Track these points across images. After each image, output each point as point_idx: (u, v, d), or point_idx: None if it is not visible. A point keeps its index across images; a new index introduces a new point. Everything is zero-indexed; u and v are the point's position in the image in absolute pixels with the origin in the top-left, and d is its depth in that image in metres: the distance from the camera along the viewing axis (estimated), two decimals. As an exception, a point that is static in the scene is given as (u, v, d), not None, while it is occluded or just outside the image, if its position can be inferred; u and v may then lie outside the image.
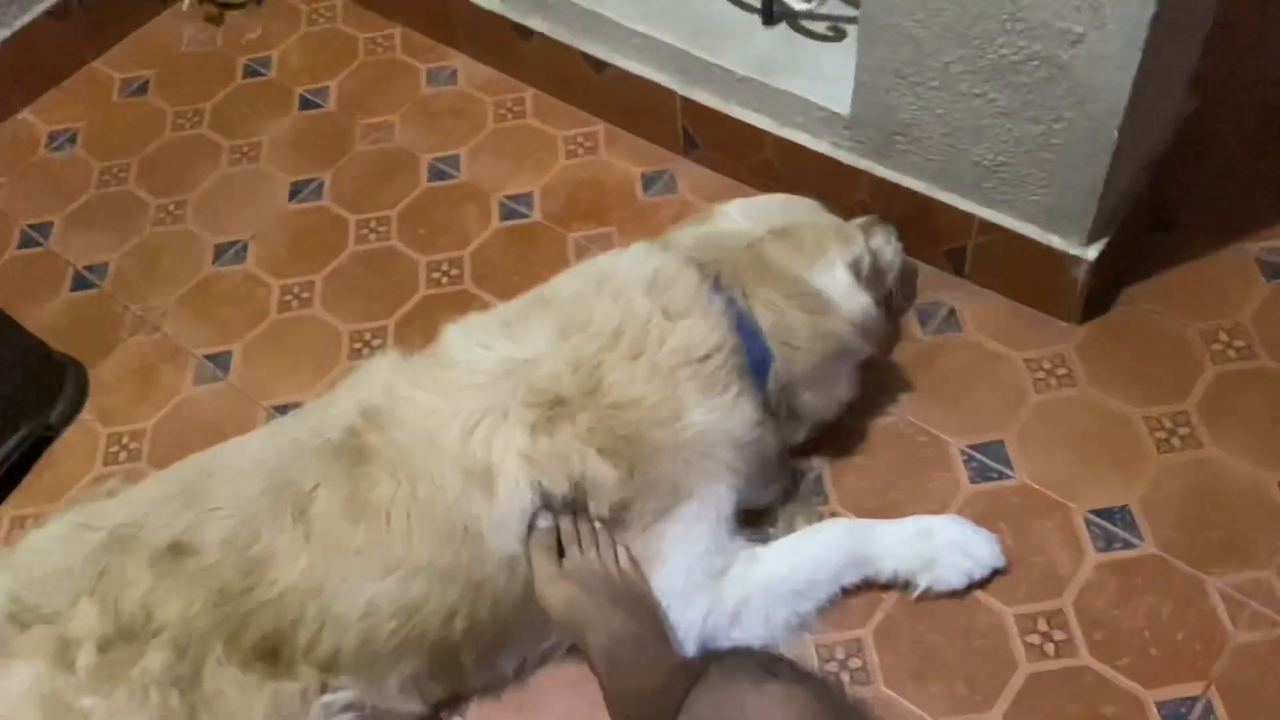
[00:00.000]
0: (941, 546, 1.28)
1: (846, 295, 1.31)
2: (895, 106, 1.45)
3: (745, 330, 1.27)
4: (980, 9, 1.26)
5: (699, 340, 1.23)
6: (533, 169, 1.85)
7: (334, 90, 2.01)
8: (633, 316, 1.23)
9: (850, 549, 1.28)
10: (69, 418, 1.62)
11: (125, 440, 1.60)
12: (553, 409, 1.18)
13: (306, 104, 2.00)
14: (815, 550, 1.28)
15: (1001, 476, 1.40)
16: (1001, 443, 1.43)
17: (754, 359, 1.27)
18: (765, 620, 1.23)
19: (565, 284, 1.33)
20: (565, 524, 1.20)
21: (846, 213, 1.64)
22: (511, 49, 1.90)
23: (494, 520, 1.17)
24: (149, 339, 1.71)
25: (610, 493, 1.18)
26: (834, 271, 1.32)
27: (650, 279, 1.26)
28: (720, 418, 1.23)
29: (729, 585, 1.23)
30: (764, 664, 0.85)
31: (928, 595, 1.28)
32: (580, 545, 1.19)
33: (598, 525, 1.21)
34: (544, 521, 1.19)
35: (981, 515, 1.36)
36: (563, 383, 1.19)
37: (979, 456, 1.42)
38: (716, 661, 0.86)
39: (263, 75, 2.06)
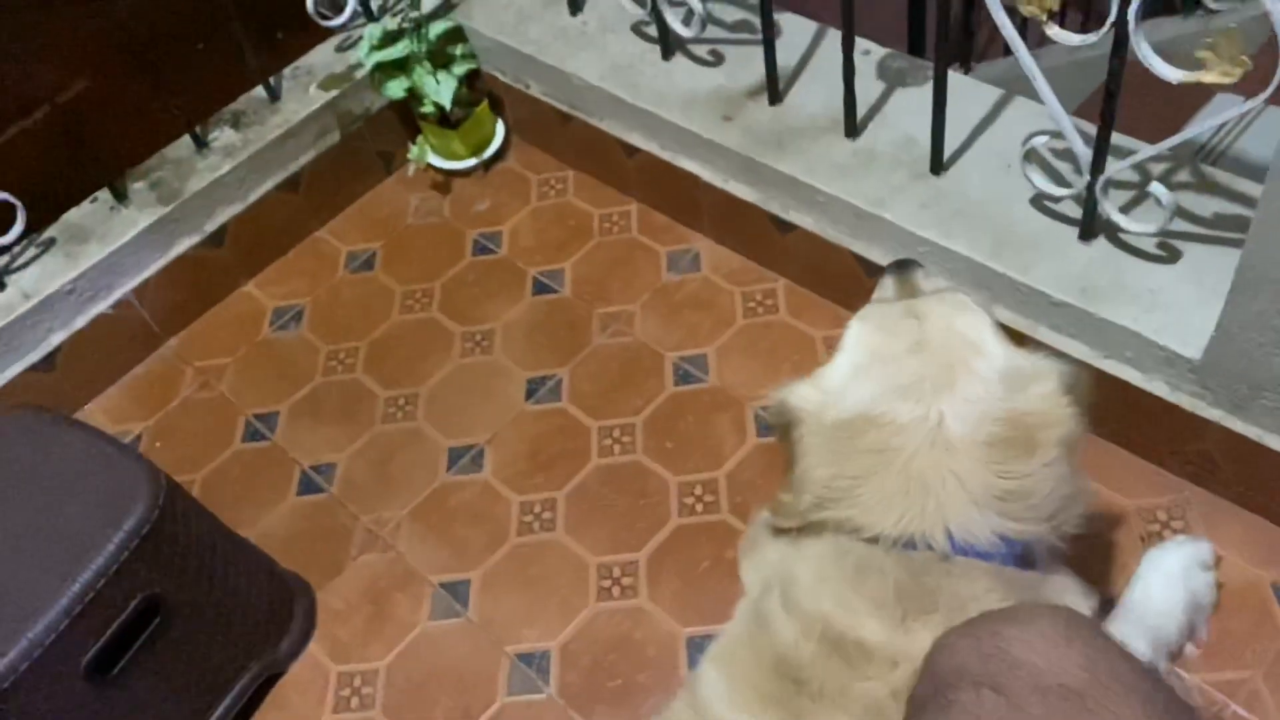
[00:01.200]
0: None
1: (1034, 368, 1.04)
2: (1268, 363, 1.23)
3: (1010, 560, 1.00)
4: None
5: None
6: (789, 371, 1.67)
7: (568, 272, 1.89)
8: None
9: None
10: (297, 650, 1.50)
11: (357, 683, 1.46)
12: None
13: (540, 287, 1.88)
14: None
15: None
16: None
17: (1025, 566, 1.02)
18: None
19: (798, 649, 1.00)
20: None
21: (1181, 461, 1.43)
22: (766, 240, 1.75)
23: None
24: (381, 558, 1.58)
25: None
26: (1005, 355, 1.05)
27: (888, 602, 0.98)
28: None
29: None
30: None
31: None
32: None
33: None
34: None
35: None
36: None
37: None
38: None
39: (493, 253, 1.95)
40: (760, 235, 1.76)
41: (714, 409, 1.66)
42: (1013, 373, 1.02)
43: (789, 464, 1.09)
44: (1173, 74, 1.19)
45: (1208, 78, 1.15)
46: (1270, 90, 1.10)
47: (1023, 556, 1.01)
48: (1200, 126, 1.24)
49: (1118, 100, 1.29)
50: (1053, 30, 1.27)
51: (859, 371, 1.05)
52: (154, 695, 1.31)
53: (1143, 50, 1.19)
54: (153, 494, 1.27)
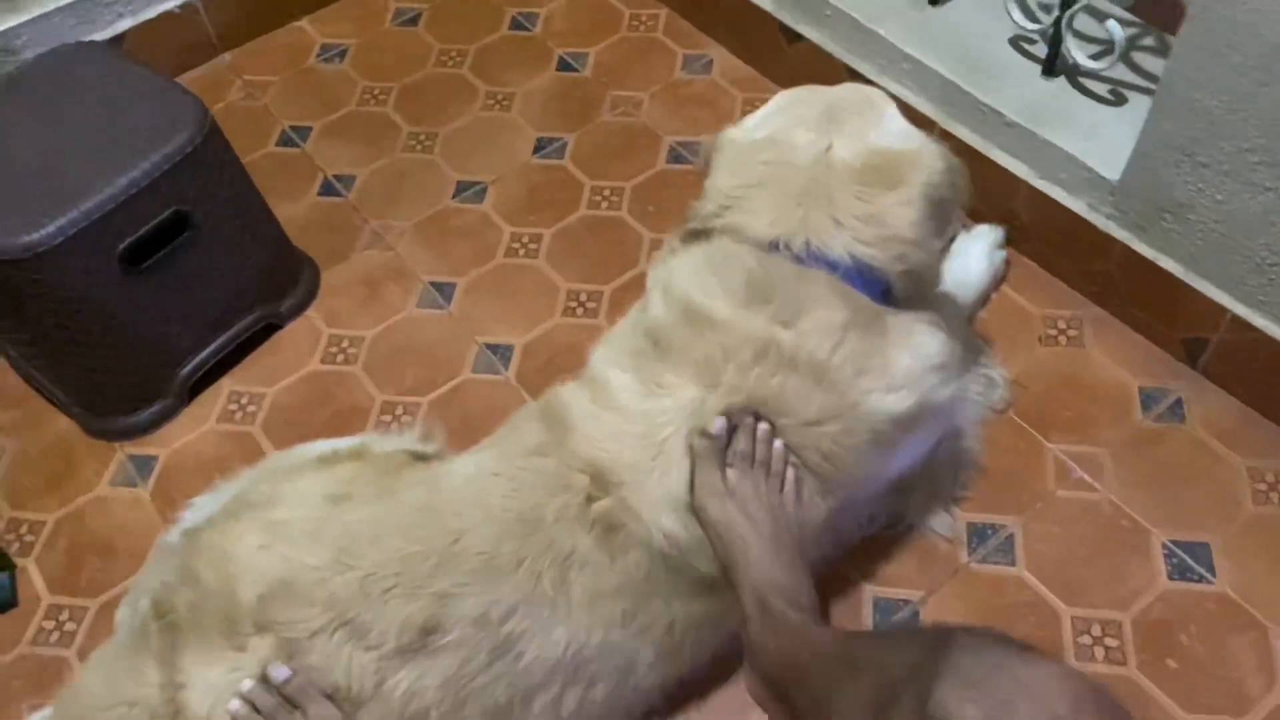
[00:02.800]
0: None
1: (916, 140, 1.23)
2: (1172, 184, 1.41)
3: (856, 280, 1.17)
4: (1298, 102, 1.21)
5: (833, 330, 1.15)
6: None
7: (592, 57, 2.07)
8: (755, 345, 1.14)
9: None
10: (298, 311, 1.72)
11: (345, 344, 1.68)
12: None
13: (564, 65, 2.06)
14: None
15: (1202, 580, 1.35)
16: (1207, 545, 1.38)
17: (877, 291, 1.19)
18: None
19: (662, 319, 1.21)
20: (743, 437, 1.13)
21: (1087, 280, 1.62)
22: (774, 50, 1.92)
23: None
24: (381, 255, 1.79)
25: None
26: (894, 121, 1.24)
27: (738, 289, 1.16)
28: (897, 382, 1.19)
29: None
30: (1016, 642, 0.78)
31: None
32: (753, 461, 1.14)
33: (778, 444, 1.14)
34: (719, 423, 1.12)
35: (1174, 616, 1.31)
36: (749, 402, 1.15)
37: (1180, 554, 1.37)
38: (963, 631, 0.79)
39: (527, 30, 2.13)
40: (769, 45, 1.93)
41: (697, 185, 1.84)
42: (901, 131, 1.23)
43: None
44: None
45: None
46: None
47: (884, 291, 1.19)
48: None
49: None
50: None
51: (774, 114, 1.26)
52: (173, 297, 1.52)
53: (1118, -115, 1.36)
54: (199, 123, 1.47)
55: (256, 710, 1.05)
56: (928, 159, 1.20)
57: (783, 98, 1.30)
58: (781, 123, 1.24)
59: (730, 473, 1.13)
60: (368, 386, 1.63)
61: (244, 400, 1.63)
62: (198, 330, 1.59)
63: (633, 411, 1.17)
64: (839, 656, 0.97)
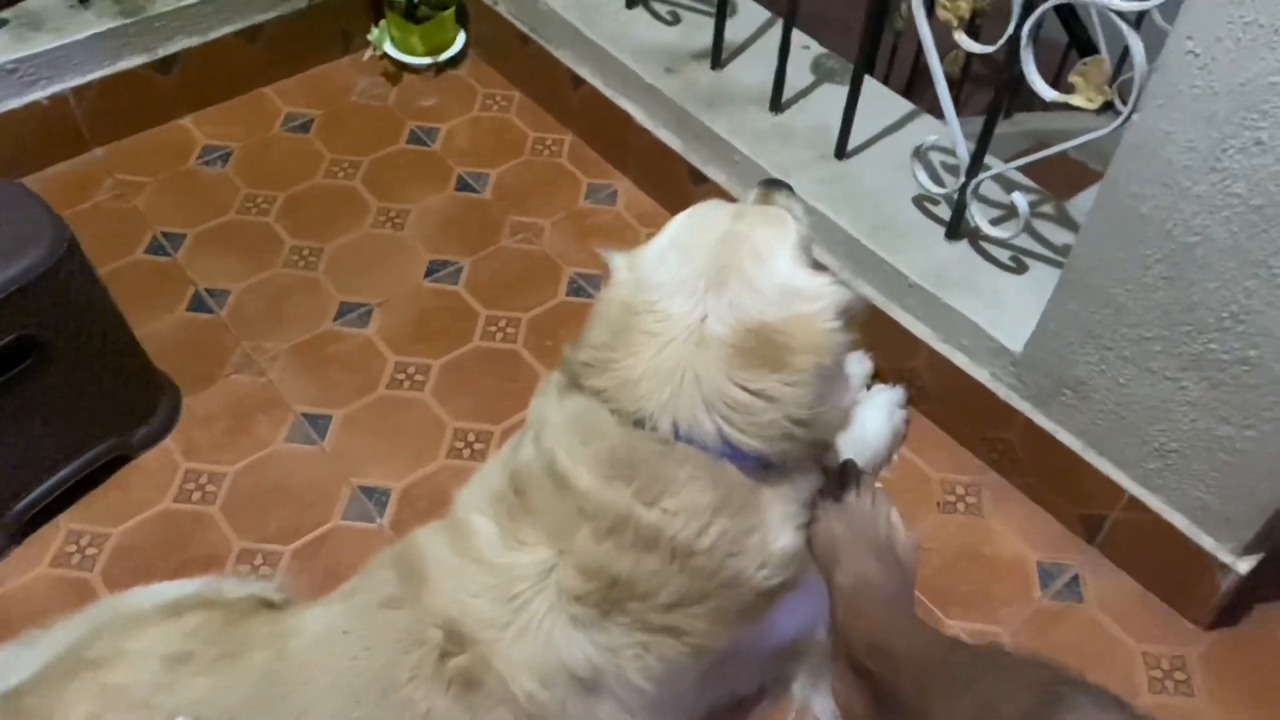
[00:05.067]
0: None
1: (811, 289, 1.10)
2: (1074, 361, 1.40)
3: (730, 455, 1.08)
4: (1200, 298, 1.22)
5: (699, 512, 1.06)
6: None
7: (493, 179, 2.00)
8: (612, 517, 1.07)
9: None
10: (153, 441, 1.57)
11: (203, 480, 1.54)
12: (607, 601, 1.08)
13: (463, 185, 1.99)
14: None
15: (1100, 775, 1.30)
16: (1106, 737, 1.34)
17: (755, 466, 1.10)
18: None
19: (529, 468, 1.13)
20: (851, 466, 1.20)
21: (987, 447, 1.60)
22: (680, 189, 1.89)
23: None
24: (252, 381, 1.66)
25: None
26: (787, 271, 1.11)
27: (602, 461, 1.08)
28: (773, 560, 1.11)
29: None
30: (1131, 709, 0.78)
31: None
32: (858, 491, 1.17)
33: (878, 485, 1.19)
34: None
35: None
36: (601, 577, 1.08)
37: (1080, 746, 1.33)
38: (1080, 690, 0.78)
39: (426, 146, 2.06)
40: (676, 183, 1.89)
41: (595, 323, 1.78)
42: (788, 289, 1.09)
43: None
44: (1048, 92, 1.36)
45: (1076, 100, 1.33)
46: (1122, 119, 1.28)
47: (764, 464, 1.09)
48: (1056, 149, 1.42)
49: (1000, 113, 1.46)
50: (959, 37, 1.44)
51: (663, 256, 1.13)
52: (10, 427, 1.37)
53: (1028, 67, 1.37)
54: (54, 242, 1.34)
55: None
56: (819, 331, 1.07)
57: (683, 223, 1.18)
58: (663, 278, 1.11)
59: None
60: (225, 530, 1.48)
61: (83, 541, 1.47)
62: (36, 464, 1.43)
63: (492, 564, 1.09)
64: (938, 665, 0.93)
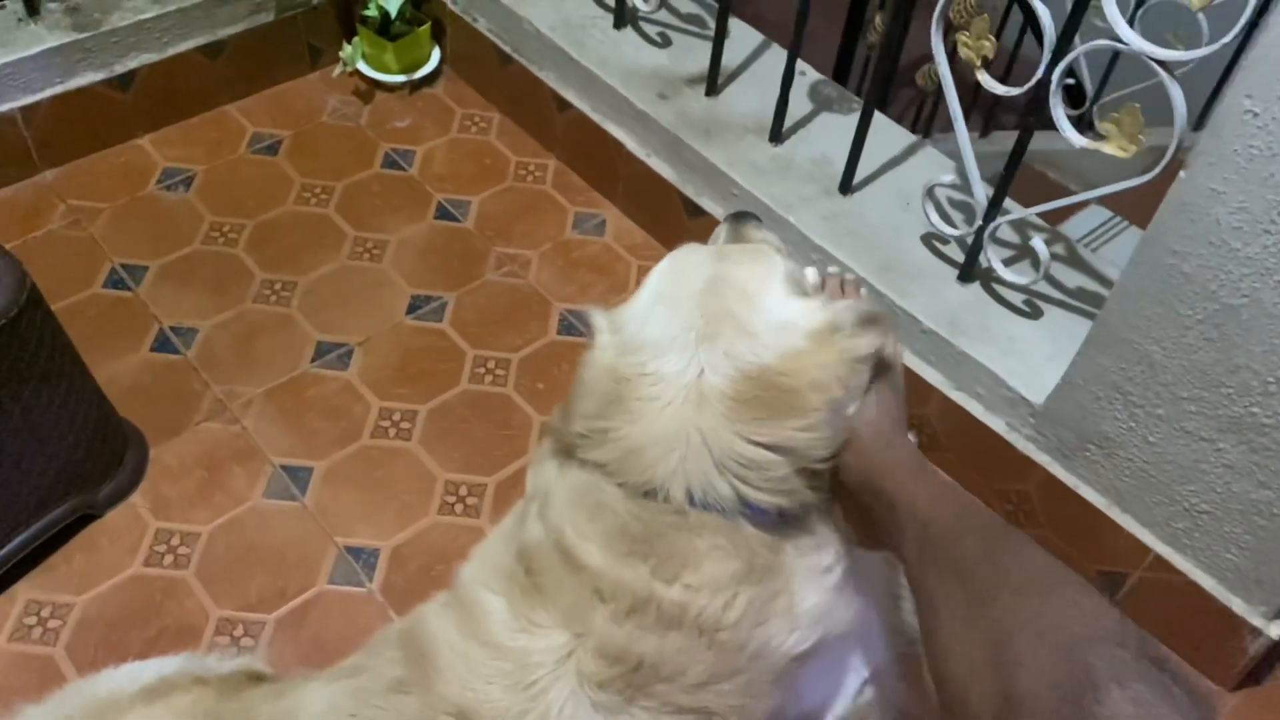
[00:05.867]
0: None
1: (806, 319, 1.02)
2: (1100, 417, 1.36)
3: (749, 512, 1.00)
4: (1244, 361, 1.17)
5: (724, 585, 0.98)
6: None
7: (475, 206, 1.90)
8: (631, 597, 0.98)
9: None
10: (120, 497, 1.45)
11: (174, 542, 1.42)
12: (632, 686, 0.99)
13: (443, 213, 1.89)
14: None
15: None
16: (1136, 808, 1.29)
17: (774, 520, 1.02)
18: None
19: (536, 544, 1.04)
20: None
21: (1001, 499, 1.55)
22: (674, 221, 1.81)
23: None
24: (225, 429, 1.55)
25: None
26: (779, 307, 1.03)
27: (613, 538, 1.00)
28: (803, 622, 1.03)
29: None
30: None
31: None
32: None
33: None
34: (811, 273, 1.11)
35: None
36: (625, 660, 0.99)
37: (1110, 818, 1.28)
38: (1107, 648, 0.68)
39: (403, 170, 1.95)
40: (669, 215, 1.82)
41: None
42: (781, 325, 1.01)
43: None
44: (1077, 139, 1.31)
45: (1108, 147, 1.28)
46: (1155, 172, 1.23)
47: (779, 512, 1.01)
48: (1079, 197, 1.37)
49: (1023, 156, 1.41)
50: (983, 76, 1.38)
51: (649, 312, 1.04)
52: (-37, 497, 1.25)
53: (1057, 113, 1.32)
54: (14, 292, 1.22)
55: None
56: (827, 366, 0.98)
57: (664, 273, 1.09)
58: (649, 336, 1.02)
59: None
60: (201, 598, 1.37)
61: (44, 613, 1.34)
62: (-8, 529, 1.31)
63: (505, 648, 1.00)
64: (944, 544, 0.84)
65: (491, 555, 1.10)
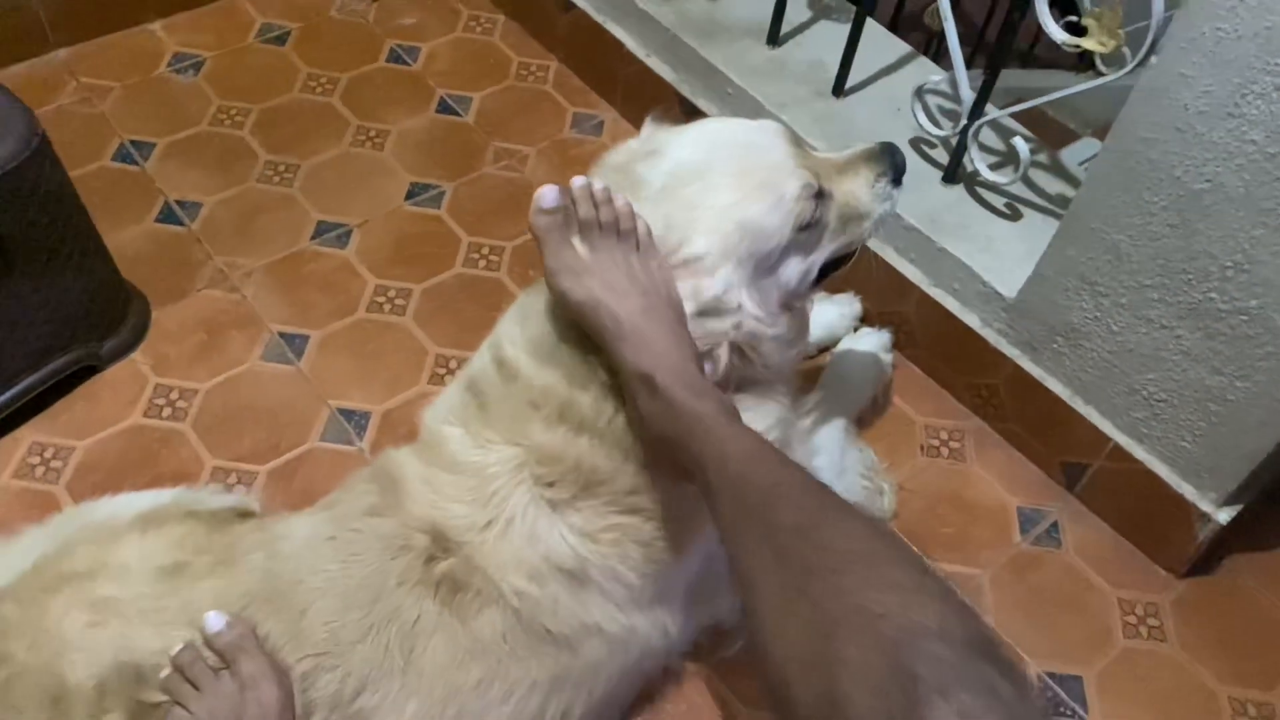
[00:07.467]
0: None
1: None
2: (1068, 308, 1.40)
3: None
4: (1203, 247, 1.21)
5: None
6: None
7: (475, 102, 1.94)
8: (555, 403, 1.07)
9: None
10: (122, 353, 1.51)
11: (173, 396, 1.48)
12: (576, 483, 1.08)
13: (445, 108, 1.93)
14: None
15: (1074, 715, 1.32)
16: (1080, 680, 1.35)
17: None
18: None
19: (481, 370, 1.15)
20: (582, 204, 1.04)
21: (972, 393, 1.60)
22: (670, 120, 1.84)
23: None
24: (225, 297, 1.60)
25: None
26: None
27: (537, 340, 1.09)
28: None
29: None
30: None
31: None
32: (599, 226, 1.03)
33: (620, 200, 1.04)
34: (551, 193, 1.05)
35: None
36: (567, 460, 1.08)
37: (1055, 688, 1.34)
38: (931, 644, 0.64)
39: (407, 65, 1.99)
40: (666, 115, 1.85)
41: (580, 254, 1.74)
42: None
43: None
44: (1059, 34, 1.34)
45: (1088, 43, 1.31)
46: (1133, 64, 1.27)
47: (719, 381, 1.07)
48: (1060, 94, 1.40)
49: (1009, 49, 1.44)
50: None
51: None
52: (-28, 332, 1.30)
53: (1041, 6, 1.35)
54: (25, 138, 1.27)
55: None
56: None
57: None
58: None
59: (580, 246, 1.03)
60: (197, 448, 1.44)
61: (47, 454, 1.41)
62: (-2, 371, 1.37)
63: (465, 465, 1.09)
64: (758, 510, 0.82)
65: (447, 396, 1.20)
